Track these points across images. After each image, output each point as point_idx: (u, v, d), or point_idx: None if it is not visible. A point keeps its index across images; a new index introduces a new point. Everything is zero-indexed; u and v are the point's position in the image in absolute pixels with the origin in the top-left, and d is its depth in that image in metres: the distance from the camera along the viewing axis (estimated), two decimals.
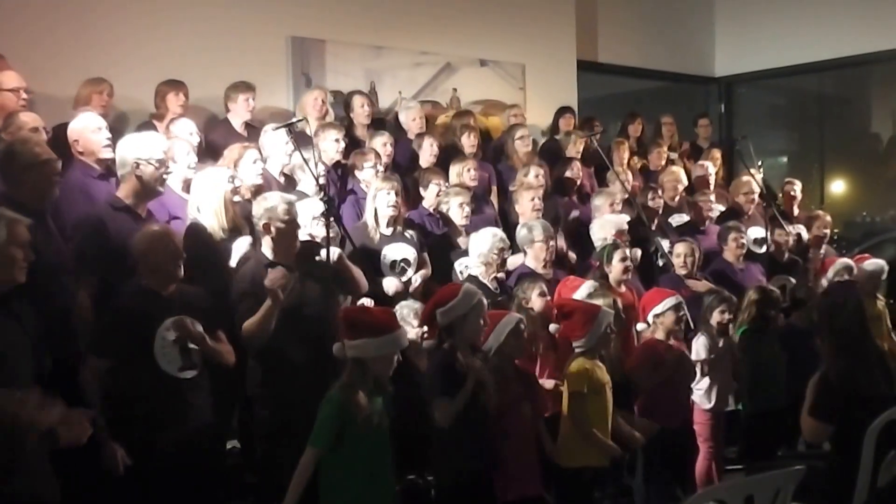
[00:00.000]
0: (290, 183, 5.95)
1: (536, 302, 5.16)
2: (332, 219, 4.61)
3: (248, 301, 4.36)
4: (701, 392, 5.54)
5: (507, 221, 6.72)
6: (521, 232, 5.97)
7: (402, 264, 5.60)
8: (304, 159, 5.32)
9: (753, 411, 5.76)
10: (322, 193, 4.87)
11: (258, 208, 4.58)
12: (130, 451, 3.95)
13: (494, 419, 4.23)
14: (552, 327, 4.95)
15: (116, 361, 4.00)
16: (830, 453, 4.21)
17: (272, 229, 4.50)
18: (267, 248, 4.57)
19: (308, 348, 4.36)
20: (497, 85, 8.88)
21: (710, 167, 8.35)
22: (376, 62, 8.07)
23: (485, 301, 4.33)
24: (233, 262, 4.77)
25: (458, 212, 6.12)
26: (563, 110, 8.77)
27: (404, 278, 5.56)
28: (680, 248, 6.45)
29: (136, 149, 4.56)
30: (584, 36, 9.75)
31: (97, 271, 4.41)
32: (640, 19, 10.52)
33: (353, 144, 6.83)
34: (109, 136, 5.06)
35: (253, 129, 6.60)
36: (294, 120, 5.79)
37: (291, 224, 4.56)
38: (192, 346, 4.08)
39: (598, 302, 5.01)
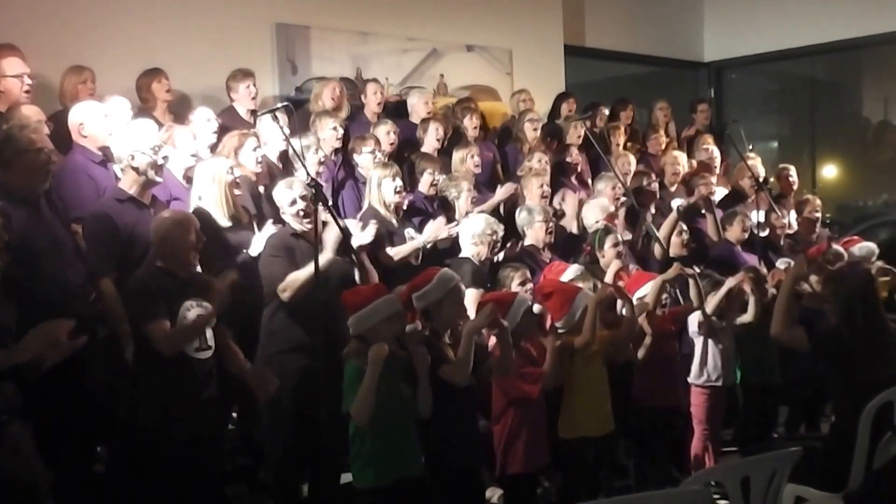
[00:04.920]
0: (286, 169, 5.95)
1: (517, 291, 5.05)
2: (320, 203, 4.56)
3: (279, 259, 4.63)
4: (696, 370, 5.54)
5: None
6: (520, 214, 6.01)
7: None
8: (295, 151, 5.40)
9: (748, 384, 5.80)
10: (309, 179, 4.83)
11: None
12: (147, 432, 4.05)
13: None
14: (535, 308, 4.88)
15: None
16: (827, 435, 4.19)
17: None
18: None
19: (317, 326, 4.36)
20: (484, 70, 8.84)
21: (716, 151, 8.27)
22: (362, 48, 8.01)
23: (462, 286, 4.29)
24: (254, 252, 4.85)
25: (466, 197, 6.15)
26: (564, 95, 8.72)
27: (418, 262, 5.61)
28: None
29: (128, 142, 4.62)
30: (571, 20, 9.69)
31: (114, 264, 4.47)
32: (627, 3, 10.46)
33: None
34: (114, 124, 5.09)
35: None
36: (279, 105, 5.74)
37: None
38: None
39: (588, 284, 4.98)
